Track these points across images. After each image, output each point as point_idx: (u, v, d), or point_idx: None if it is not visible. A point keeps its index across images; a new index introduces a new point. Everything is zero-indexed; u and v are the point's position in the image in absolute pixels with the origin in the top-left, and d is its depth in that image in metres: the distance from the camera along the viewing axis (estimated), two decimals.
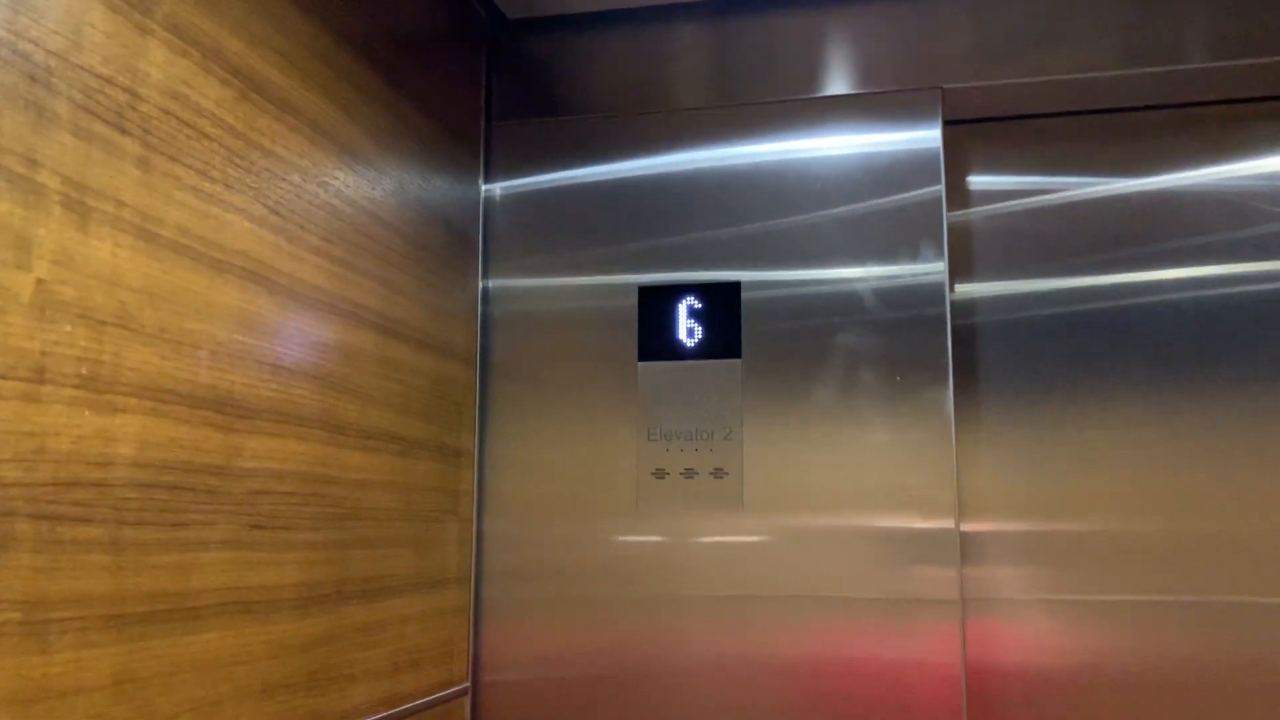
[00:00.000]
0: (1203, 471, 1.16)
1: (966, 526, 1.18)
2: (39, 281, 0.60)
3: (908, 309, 1.15)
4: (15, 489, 0.58)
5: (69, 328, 0.62)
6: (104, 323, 0.65)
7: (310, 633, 0.87)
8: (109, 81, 0.66)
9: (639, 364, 1.21)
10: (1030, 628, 1.18)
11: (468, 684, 1.19)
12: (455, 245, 1.20)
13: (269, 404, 0.82)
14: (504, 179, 1.29)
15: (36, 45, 0.60)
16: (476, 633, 1.21)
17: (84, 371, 0.63)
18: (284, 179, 0.85)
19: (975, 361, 1.23)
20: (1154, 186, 1.22)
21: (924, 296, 1.15)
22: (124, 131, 0.67)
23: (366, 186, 0.99)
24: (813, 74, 1.22)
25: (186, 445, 0.72)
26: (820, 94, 1.21)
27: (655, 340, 1.21)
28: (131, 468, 0.67)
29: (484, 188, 1.28)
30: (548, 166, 1.28)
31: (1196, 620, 1.14)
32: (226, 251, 0.77)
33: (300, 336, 0.86)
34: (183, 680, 0.71)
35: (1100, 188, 1.24)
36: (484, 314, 1.26)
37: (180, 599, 0.71)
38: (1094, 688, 1.15)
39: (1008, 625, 1.18)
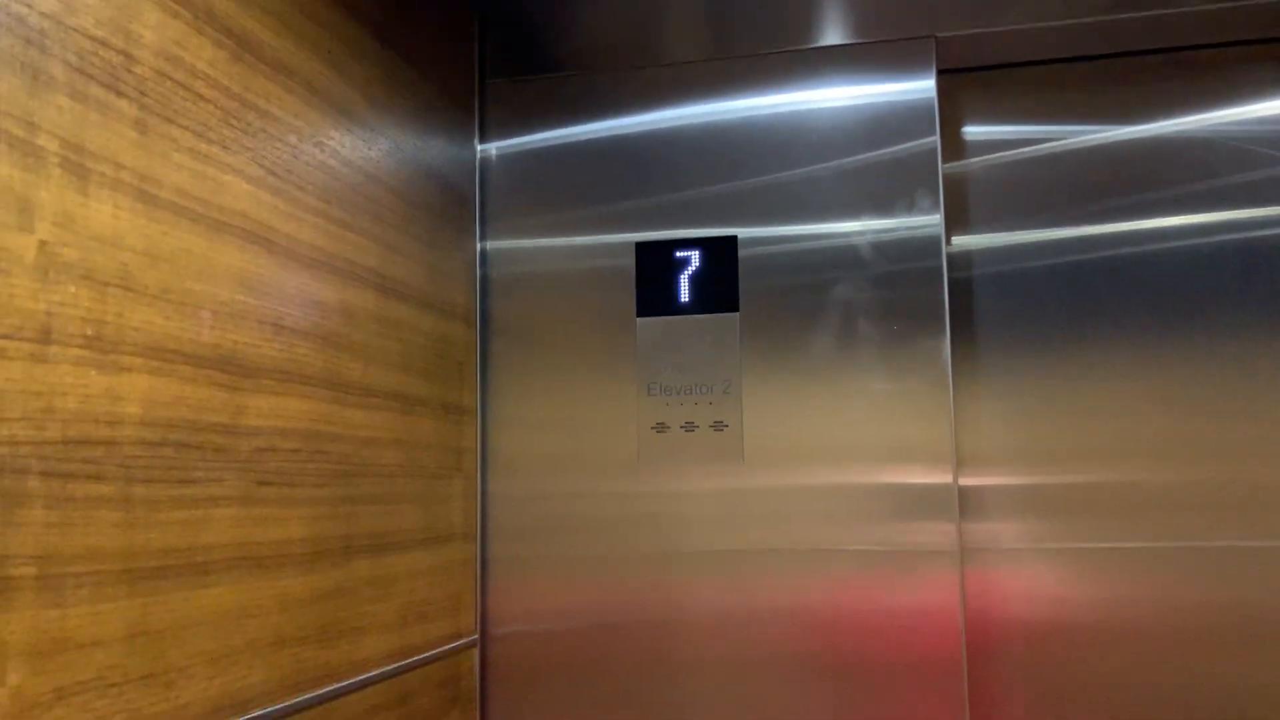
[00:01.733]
0: (1200, 419, 1.17)
1: (964, 478, 1.20)
2: (41, 243, 0.60)
3: (904, 261, 1.16)
4: (26, 447, 0.59)
5: (73, 289, 0.63)
6: (107, 284, 0.65)
7: (319, 587, 0.89)
8: (103, 44, 0.66)
9: (637, 319, 1.22)
10: (1029, 577, 1.19)
11: (476, 636, 1.21)
12: (452, 204, 1.20)
13: (272, 363, 0.83)
14: (499, 138, 1.29)
15: (30, 8, 0.60)
16: (483, 586, 1.23)
17: (89, 332, 0.64)
18: (280, 140, 0.85)
19: (972, 313, 1.23)
20: (1150, 133, 1.22)
21: (920, 248, 1.16)
22: (119, 94, 0.67)
23: (362, 146, 0.99)
24: (806, 24, 1.22)
25: (192, 404, 0.73)
26: (813, 45, 1.21)
27: (653, 296, 1.22)
28: (139, 426, 0.68)
29: (479, 147, 1.29)
30: (542, 124, 1.28)
31: (1195, 566, 1.15)
32: (225, 212, 0.78)
33: (301, 296, 0.87)
34: (195, 633, 0.73)
35: (1096, 135, 1.23)
36: (482, 274, 1.27)
37: (190, 554, 0.73)
38: (1094, 635, 1.17)
39: (1007, 575, 1.20)
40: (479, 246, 1.27)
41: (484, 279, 1.27)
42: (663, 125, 1.25)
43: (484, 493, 1.24)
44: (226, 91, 0.78)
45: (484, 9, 1.30)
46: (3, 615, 0.57)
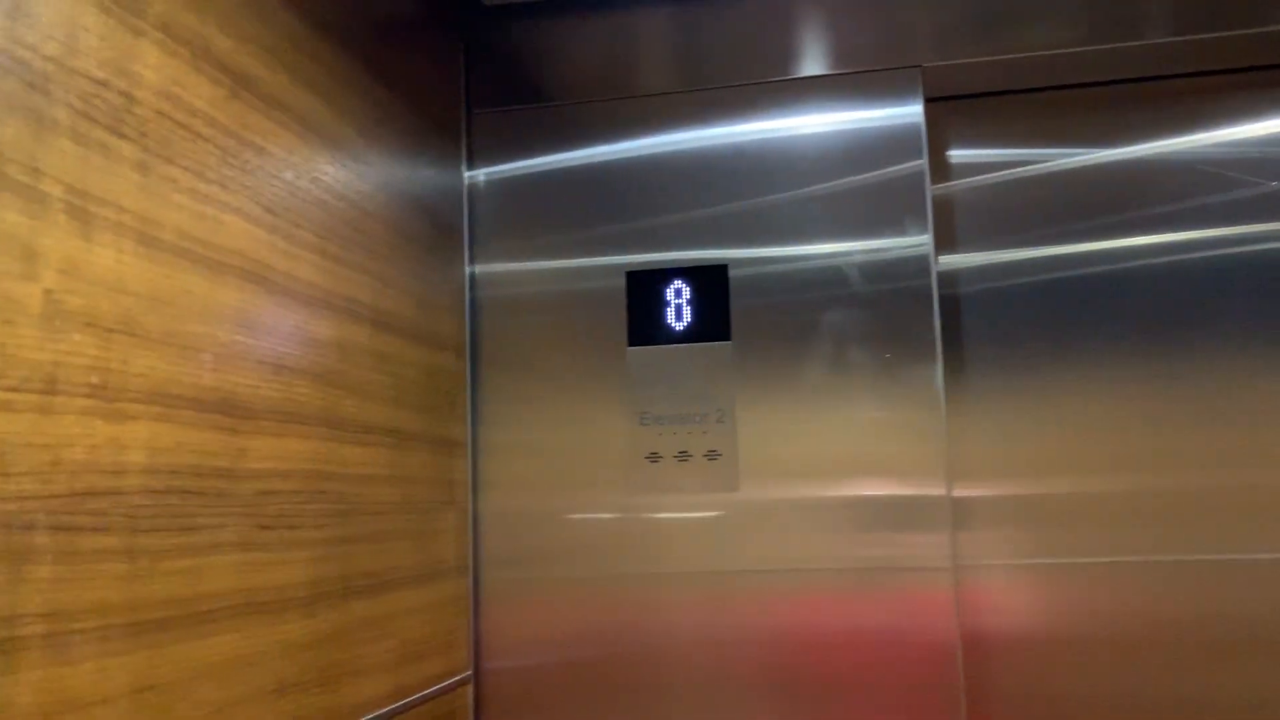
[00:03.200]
0: (1187, 431, 1.18)
1: (957, 494, 1.20)
2: (46, 292, 0.59)
3: (894, 281, 1.17)
4: (34, 501, 0.57)
5: (77, 337, 0.61)
6: (111, 330, 0.64)
7: (319, 630, 0.87)
8: (105, 85, 0.65)
9: (629, 348, 1.22)
10: (1023, 592, 1.20)
11: (469, 672, 1.19)
12: (441, 235, 1.20)
13: (272, 404, 0.81)
14: (486, 165, 1.28)
15: (34, 51, 0.59)
16: (476, 621, 1.21)
17: (94, 380, 0.62)
18: (277, 176, 0.84)
19: (960, 330, 1.24)
20: (1129, 155, 1.24)
21: (910, 269, 1.17)
22: (121, 135, 0.66)
23: (355, 180, 0.98)
24: (793, 55, 1.22)
25: (195, 449, 0.72)
26: (801, 75, 1.22)
27: (644, 325, 1.22)
28: (143, 474, 0.66)
29: (467, 174, 1.28)
30: (529, 152, 1.28)
31: (1187, 579, 1.17)
32: (225, 252, 0.76)
33: (299, 334, 0.86)
34: (200, 684, 0.71)
35: (1078, 158, 1.25)
36: (471, 299, 1.26)
37: (194, 603, 0.71)
38: (1091, 649, 1.18)
39: (1001, 590, 1.20)
40: (468, 270, 1.26)
41: (473, 302, 1.26)
42: (651, 151, 1.25)
43: (475, 526, 1.23)
44: (224, 130, 0.77)
45: (469, 40, 1.30)
46: (11, 676, 0.55)
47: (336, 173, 0.94)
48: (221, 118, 0.77)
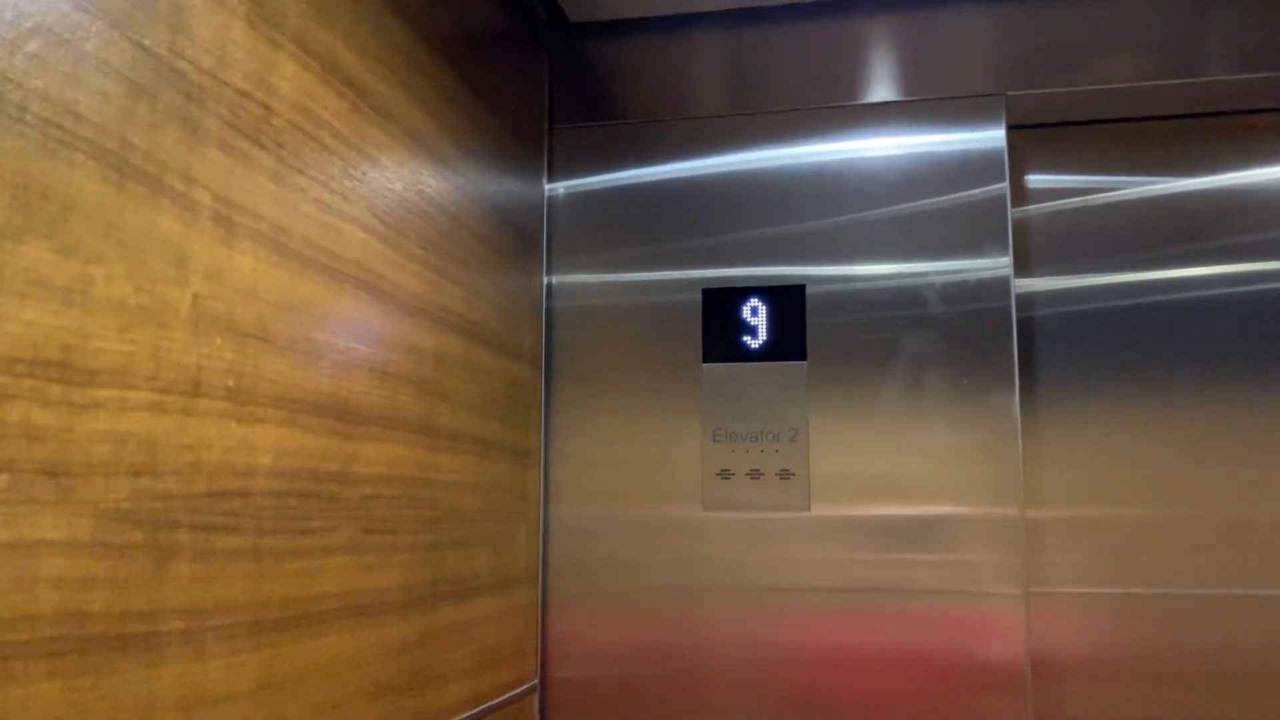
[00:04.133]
0: (1263, 463, 1.18)
1: (1031, 517, 1.20)
2: (195, 296, 0.61)
3: (973, 303, 1.17)
4: (176, 500, 0.59)
5: (218, 340, 0.63)
6: (246, 335, 0.66)
7: (411, 634, 0.88)
8: (248, 96, 0.67)
9: (704, 365, 1.23)
10: (1094, 620, 1.20)
11: (536, 681, 1.20)
12: (522, 247, 1.21)
13: (379, 410, 0.83)
14: (566, 179, 1.30)
15: (191, 63, 0.61)
16: (544, 630, 1.22)
17: (230, 384, 0.64)
18: (388, 188, 0.86)
19: (1035, 353, 1.25)
20: (1205, 186, 1.25)
21: (989, 291, 1.17)
22: (261, 146, 0.68)
23: (453, 192, 1.00)
24: (881, 80, 1.23)
25: (313, 453, 0.73)
26: (888, 100, 1.23)
27: (719, 342, 1.23)
28: (269, 477, 0.68)
29: (547, 187, 1.30)
30: (609, 167, 1.29)
31: (1261, 614, 1.16)
32: (344, 261, 0.78)
33: (402, 343, 0.88)
34: (310, 683, 0.73)
35: (1154, 187, 1.26)
36: (548, 310, 1.28)
37: (307, 604, 0.73)
38: (1161, 681, 1.17)
39: (1072, 617, 1.20)
40: (545, 280, 1.28)
41: (549, 313, 1.28)
42: (732, 169, 1.26)
43: (545, 535, 1.24)
44: (346, 141, 0.79)
45: (554, 56, 1.31)
46: (155, 670, 0.57)
47: (438, 185, 0.96)
48: (344, 129, 0.79)
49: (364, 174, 0.81)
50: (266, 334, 0.68)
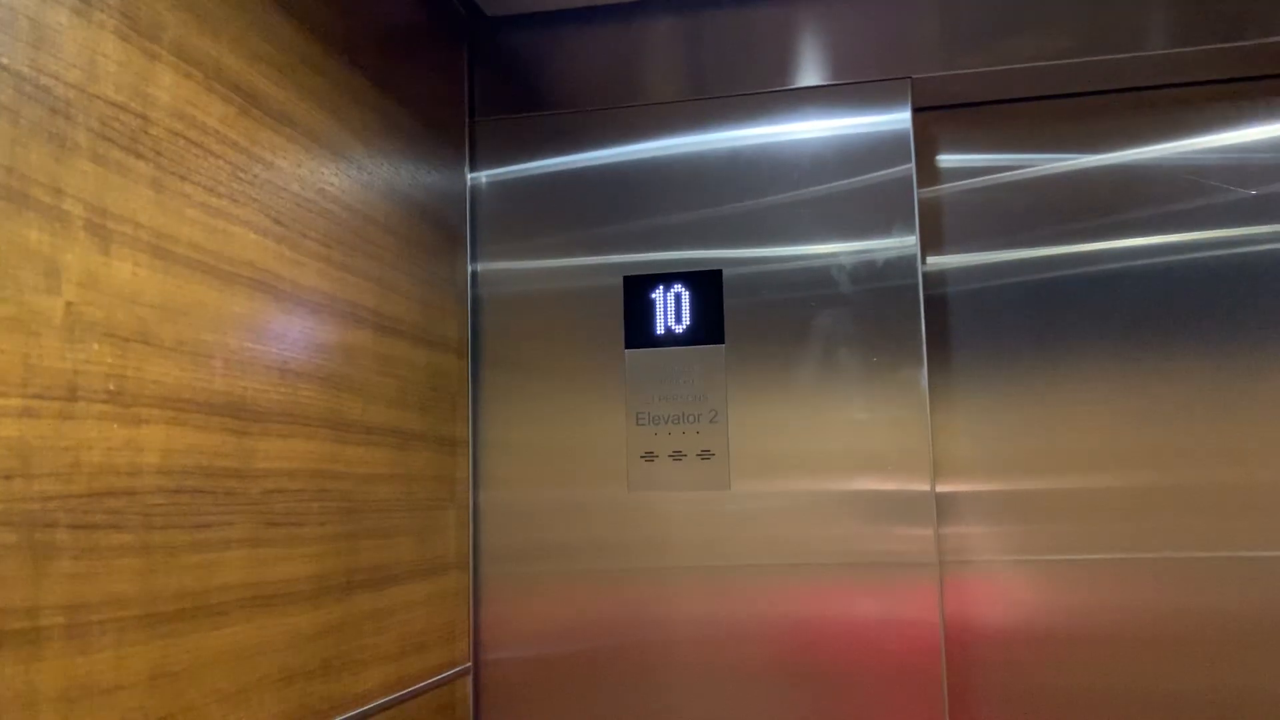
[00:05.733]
0: (1169, 430, 1.22)
1: (941, 489, 1.24)
2: (68, 304, 0.63)
3: (882, 281, 1.20)
4: (55, 501, 0.61)
5: (96, 346, 0.65)
6: (127, 340, 0.68)
7: (324, 622, 0.91)
8: (122, 108, 0.69)
9: (626, 350, 1.26)
10: (1006, 587, 1.24)
11: (469, 664, 1.23)
12: (443, 238, 1.23)
13: (279, 407, 0.85)
14: (488, 168, 1.32)
15: (56, 79, 0.63)
16: (475, 614, 1.25)
17: (111, 387, 0.66)
18: (285, 189, 0.88)
19: (948, 329, 1.28)
20: (1113, 162, 1.28)
21: (897, 270, 1.20)
22: (138, 155, 0.70)
23: (360, 189, 1.02)
24: (788, 66, 1.26)
25: (206, 451, 0.76)
26: (796, 86, 1.25)
27: (641, 328, 1.26)
28: (157, 475, 0.70)
29: (469, 176, 1.32)
30: (531, 155, 1.31)
31: (1168, 576, 1.20)
32: (235, 263, 0.80)
33: (305, 340, 0.90)
34: (211, 672, 0.75)
35: (1062, 164, 1.29)
36: (473, 298, 1.30)
37: (205, 596, 0.75)
38: (1071, 645, 1.21)
39: (984, 585, 1.24)
40: (470, 268, 1.30)
41: (474, 300, 1.30)
42: (648, 156, 1.28)
43: (475, 521, 1.27)
44: (235, 146, 0.81)
45: (473, 49, 1.33)
46: (35, 664, 0.59)
47: (341, 182, 0.98)
48: (232, 134, 0.81)
49: (255, 176, 0.83)
50: (150, 337, 0.70)
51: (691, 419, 1.24)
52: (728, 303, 1.24)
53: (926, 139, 1.29)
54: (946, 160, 1.31)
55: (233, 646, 0.78)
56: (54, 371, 0.62)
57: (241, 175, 0.82)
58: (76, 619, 0.63)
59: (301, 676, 0.87)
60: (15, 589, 0.58)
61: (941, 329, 1.28)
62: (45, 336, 0.61)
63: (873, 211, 1.22)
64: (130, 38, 0.70)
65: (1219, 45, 1.18)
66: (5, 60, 0.59)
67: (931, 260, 1.29)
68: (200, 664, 0.74)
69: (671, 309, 1.25)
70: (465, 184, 1.31)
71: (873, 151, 1.22)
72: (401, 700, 1.05)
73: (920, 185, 1.25)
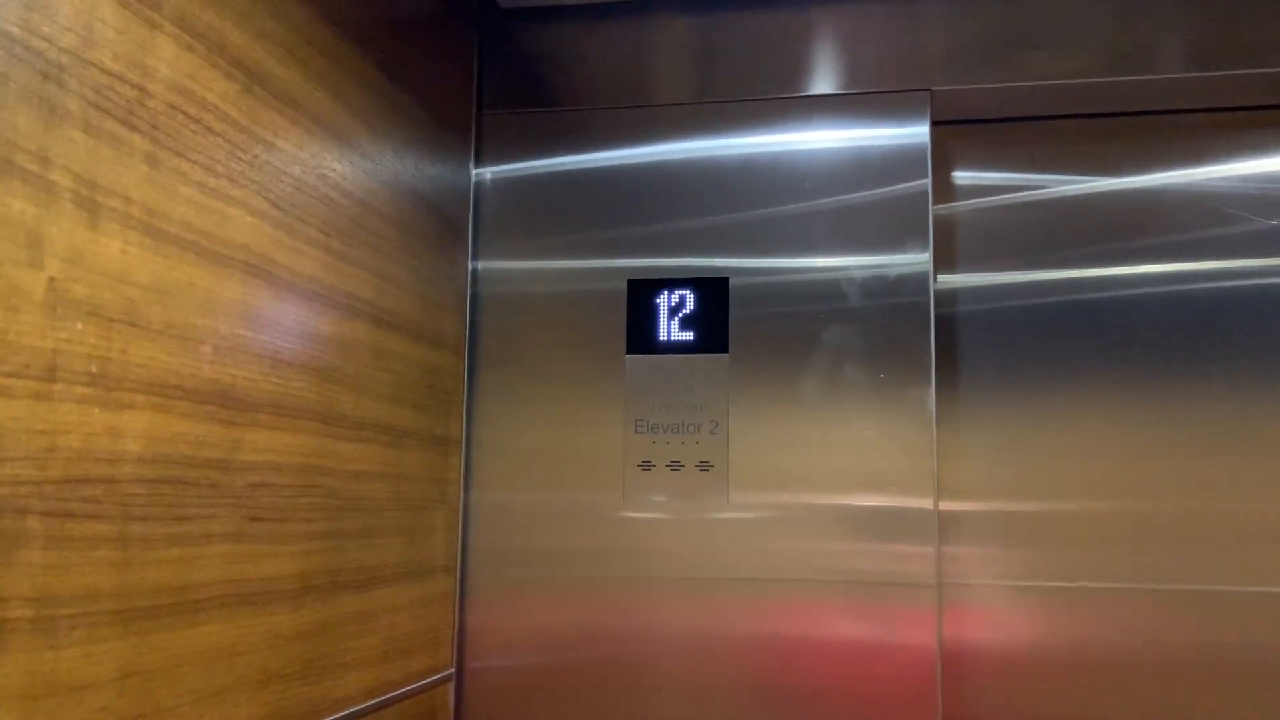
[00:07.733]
0: (1177, 460, 1.19)
1: (944, 509, 1.21)
2: (51, 280, 0.60)
3: (892, 298, 1.18)
4: (27, 486, 0.58)
5: (79, 325, 0.62)
6: (113, 320, 0.65)
7: (306, 623, 0.88)
8: (119, 78, 0.65)
9: (627, 356, 1.23)
10: (1006, 612, 1.21)
11: (452, 670, 1.20)
12: (446, 234, 1.20)
13: (269, 397, 0.82)
14: (494, 164, 1.29)
15: (49, 43, 0.60)
16: (461, 619, 1.22)
17: (94, 369, 0.63)
18: (285, 172, 0.85)
19: (957, 348, 1.25)
20: (1131, 186, 1.25)
21: (909, 286, 1.18)
22: (133, 128, 0.67)
23: (362, 177, 0.99)
24: (805, 72, 1.23)
25: (191, 440, 0.72)
26: (812, 93, 1.22)
27: (643, 334, 1.23)
28: (138, 464, 0.67)
29: (474, 172, 1.29)
30: (538, 153, 1.28)
31: (1169, 607, 1.17)
32: (229, 246, 0.77)
33: (298, 329, 0.87)
34: (185, 672, 0.72)
35: (1080, 186, 1.26)
36: (473, 295, 1.27)
37: (183, 592, 0.72)
38: (1069, 672, 1.18)
39: (984, 609, 1.21)
40: (471, 266, 1.27)
41: (474, 298, 1.27)
42: (659, 159, 1.25)
43: (465, 524, 1.23)
44: (235, 124, 0.78)
45: (484, 41, 1.30)
46: None
47: (344, 169, 0.95)
48: (233, 112, 0.78)
49: (255, 157, 0.80)
50: (137, 318, 0.67)
51: (691, 429, 1.21)
52: (733, 312, 1.21)
53: (943, 154, 1.27)
54: (962, 177, 1.28)
55: (210, 646, 0.75)
56: (32, 350, 0.58)
57: (241, 155, 0.79)
58: (44, 612, 0.59)
59: (280, 679, 0.84)
60: None
61: (950, 348, 1.25)
62: (24, 312, 0.58)
63: (886, 226, 1.19)
64: (130, 4, 0.66)
65: (1241, 71, 1.16)
66: None
67: (943, 278, 1.26)
68: (175, 663, 0.71)
69: (676, 315, 1.22)
70: (470, 178, 1.28)
71: (889, 164, 1.20)
72: (382, 706, 1.02)
73: (935, 201, 1.22)
